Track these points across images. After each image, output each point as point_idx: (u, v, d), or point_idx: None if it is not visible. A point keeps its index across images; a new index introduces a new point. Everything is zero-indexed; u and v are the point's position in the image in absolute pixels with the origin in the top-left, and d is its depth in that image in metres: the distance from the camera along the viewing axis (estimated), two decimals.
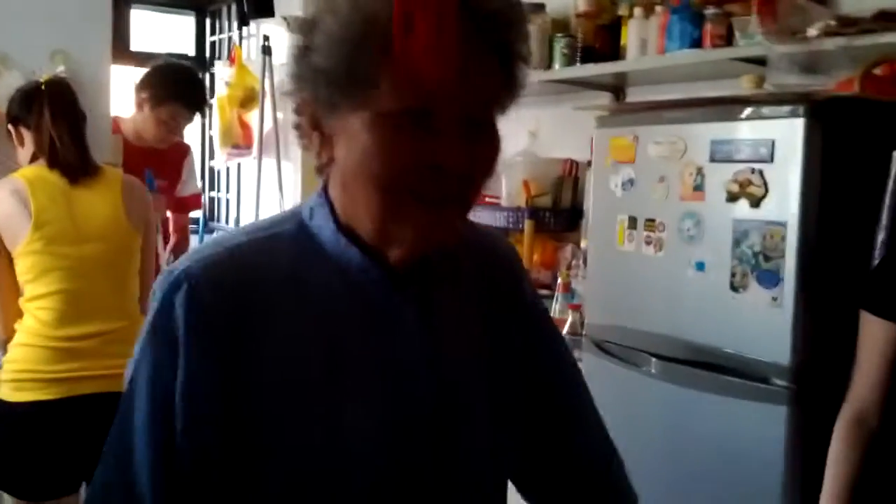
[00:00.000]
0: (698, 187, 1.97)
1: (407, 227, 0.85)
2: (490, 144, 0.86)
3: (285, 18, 3.53)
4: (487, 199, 3.06)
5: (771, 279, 1.81)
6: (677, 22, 2.50)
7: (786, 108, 1.81)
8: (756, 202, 1.85)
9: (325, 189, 0.92)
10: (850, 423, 1.55)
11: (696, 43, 2.46)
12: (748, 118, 1.89)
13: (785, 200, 1.79)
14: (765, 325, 1.81)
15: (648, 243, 2.11)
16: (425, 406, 0.90)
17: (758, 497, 1.81)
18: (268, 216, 0.99)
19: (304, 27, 0.86)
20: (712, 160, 1.94)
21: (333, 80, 0.84)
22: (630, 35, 2.70)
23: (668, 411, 2.03)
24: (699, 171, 1.97)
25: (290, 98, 0.90)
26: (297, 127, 0.92)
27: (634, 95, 2.97)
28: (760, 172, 1.83)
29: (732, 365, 1.88)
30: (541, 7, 3.01)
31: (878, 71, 1.87)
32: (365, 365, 0.89)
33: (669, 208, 2.04)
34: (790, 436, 1.77)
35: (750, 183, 1.86)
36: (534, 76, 1.63)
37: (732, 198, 1.89)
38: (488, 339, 0.99)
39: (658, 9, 2.61)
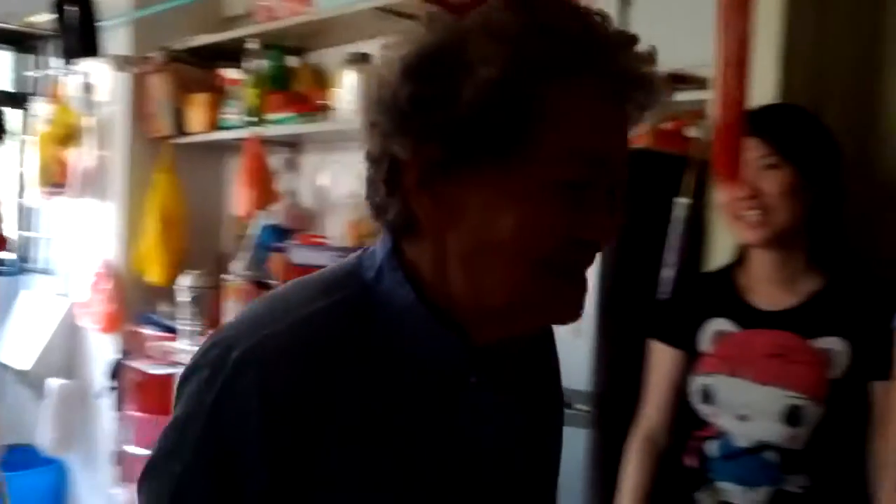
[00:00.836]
0: None
1: (550, 302, 0.79)
2: (620, 212, 0.81)
3: (114, 56, 3.48)
4: (315, 240, 3.11)
5: None
6: None
7: None
8: None
9: (393, 250, 0.82)
10: (641, 442, 1.71)
11: None
12: None
13: None
14: (568, 354, 1.94)
15: None
16: (489, 488, 0.86)
17: None
18: (319, 273, 0.85)
19: (435, 71, 0.75)
20: None
21: (481, 134, 0.74)
22: None
23: None
24: None
25: (385, 148, 0.78)
26: (388, 182, 0.79)
27: None
28: None
29: None
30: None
31: (666, 126, 2.08)
32: (437, 449, 0.82)
33: None
34: (590, 456, 1.90)
35: None
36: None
37: None
38: (528, 416, 0.92)
39: None
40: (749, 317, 1.59)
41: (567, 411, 1.89)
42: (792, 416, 1.48)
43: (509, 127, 0.74)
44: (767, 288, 1.60)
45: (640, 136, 2.07)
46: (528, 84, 0.74)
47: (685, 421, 1.63)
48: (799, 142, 1.54)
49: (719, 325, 1.61)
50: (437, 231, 0.79)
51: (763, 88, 1.71)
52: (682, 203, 1.90)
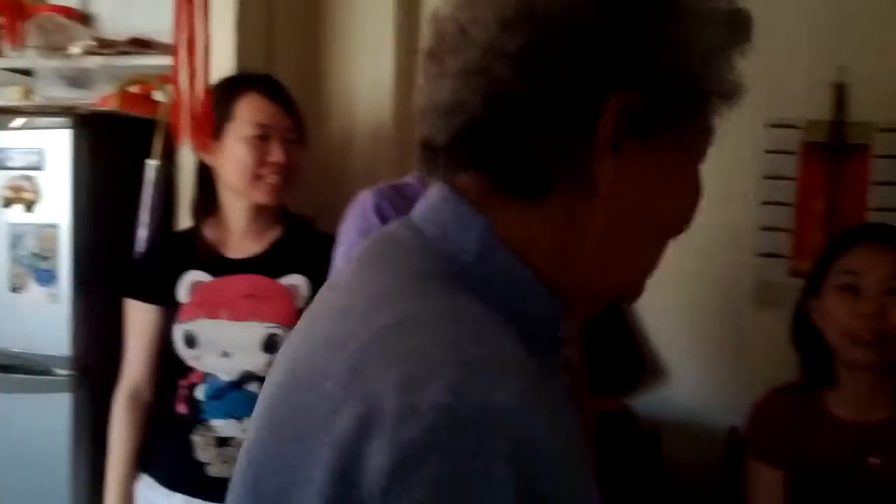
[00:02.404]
0: None
1: (647, 277, 0.71)
2: None
3: None
4: None
5: (48, 278, 1.92)
6: None
7: (54, 120, 1.94)
8: (30, 207, 1.94)
9: (489, 233, 0.65)
10: (126, 399, 1.75)
11: None
12: (19, 128, 1.97)
13: (57, 205, 1.92)
14: (45, 320, 1.91)
15: None
16: None
17: (49, 484, 1.90)
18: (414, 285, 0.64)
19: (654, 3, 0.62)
20: None
21: (696, 81, 0.64)
22: None
23: None
24: None
25: (574, 90, 0.61)
26: (564, 132, 0.62)
27: None
28: (33, 179, 1.94)
29: (17, 363, 1.93)
30: None
31: (133, 89, 2.12)
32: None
33: None
34: (75, 420, 1.90)
35: (23, 189, 1.94)
36: None
37: (7, 203, 1.95)
38: None
39: None
40: (221, 266, 1.74)
41: (48, 378, 1.89)
42: (270, 344, 1.67)
43: (719, 83, 0.66)
44: (237, 240, 1.77)
45: (108, 98, 2.09)
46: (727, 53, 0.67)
47: (172, 372, 1.72)
48: None
49: (195, 276, 1.73)
50: (588, 199, 0.65)
51: (221, 57, 1.86)
52: (152, 165, 1.97)
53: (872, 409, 1.63)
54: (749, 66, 2.32)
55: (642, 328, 2.19)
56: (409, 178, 1.47)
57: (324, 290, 0.73)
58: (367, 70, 2.15)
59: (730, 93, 0.66)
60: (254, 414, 0.68)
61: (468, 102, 0.63)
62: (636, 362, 2.19)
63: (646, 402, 2.19)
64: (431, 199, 0.70)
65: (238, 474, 0.66)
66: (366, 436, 0.52)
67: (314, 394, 0.58)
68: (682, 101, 0.64)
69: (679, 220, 0.70)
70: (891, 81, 1.90)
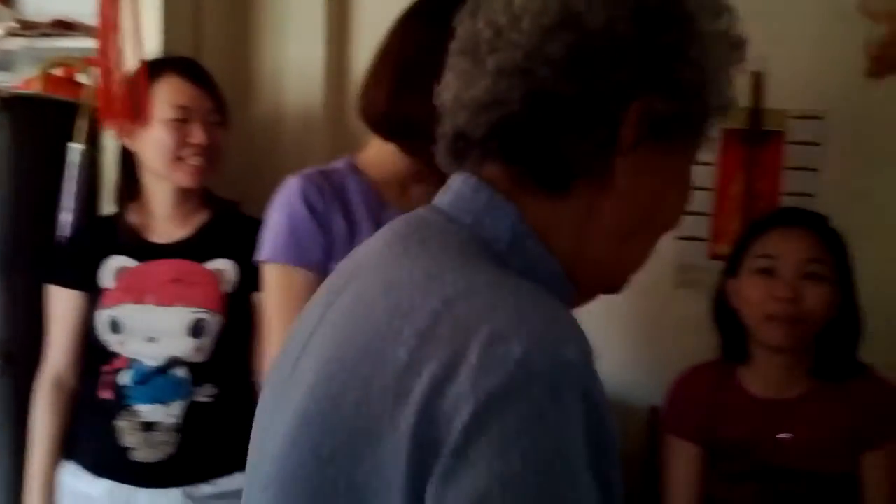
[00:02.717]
0: None
1: (638, 270, 0.79)
2: None
3: None
4: None
5: None
6: None
7: None
8: None
9: (520, 222, 0.72)
10: (49, 386, 1.74)
11: None
12: None
13: None
14: None
15: None
16: None
17: None
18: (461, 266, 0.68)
19: (677, 24, 0.69)
20: None
21: (705, 94, 0.72)
22: None
23: None
24: None
25: (606, 93, 0.68)
26: (594, 132, 0.69)
27: None
28: None
29: None
30: None
31: (57, 72, 2.08)
32: None
33: None
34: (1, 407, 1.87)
35: None
36: None
37: None
38: None
39: None
40: (146, 251, 1.73)
41: None
42: (196, 329, 1.68)
43: (721, 95, 0.74)
44: (162, 224, 1.76)
45: (31, 81, 2.05)
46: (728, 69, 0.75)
47: (95, 357, 1.71)
48: None
49: (119, 261, 1.72)
50: (603, 195, 0.72)
51: (147, 40, 1.84)
52: (76, 148, 1.94)
53: (785, 387, 1.69)
54: None
55: None
56: (339, 164, 1.48)
57: (351, 269, 0.77)
58: (297, 54, 2.15)
59: (726, 107, 0.74)
60: (302, 379, 0.70)
61: (507, 100, 0.69)
62: None
63: None
64: (459, 187, 0.75)
65: (278, 440, 0.69)
66: (444, 389, 0.58)
67: (383, 360, 0.62)
68: (693, 111, 0.72)
69: (674, 218, 0.78)
70: (803, 70, 1.96)
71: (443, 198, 0.77)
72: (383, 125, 1.39)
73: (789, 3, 1.97)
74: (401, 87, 1.34)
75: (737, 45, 0.74)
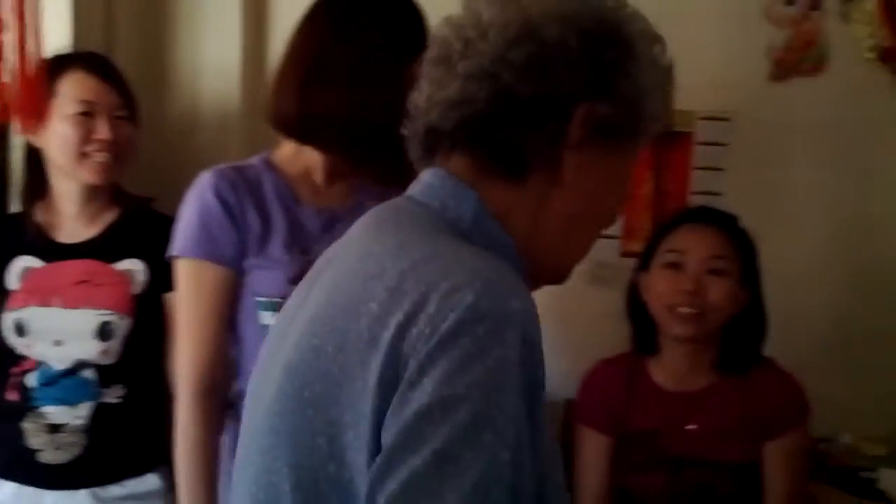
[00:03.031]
0: None
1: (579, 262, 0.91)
2: None
3: None
4: None
5: None
6: None
7: None
8: None
9: (481, 205, 0.83)
10: None
11: None
12: None
13: None
14: None
15: None
16: None
17: None
18: (421, 231, 0.81)
19: (612, 40, 0.83)
20: None
21: (640, 106, 0.84)
22: None
23: None
24: None
25: (560, 99, 0.81)
26: (547, 131, 0.82)
27: None
28: None
29: None
30: None
31: None
32: None
33: None
34: None
35: None
36: None
37: None
38: None
39: None
40: (53, 251, 1.69)
41: None
42: (104, 332, 1.65)
43: (654, 104, 0.85)
44: (70, 223, 1.72)
45: None
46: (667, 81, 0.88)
47: (3, 360, 1.67)
48: None
49: (25, 262, 1.68)
50: (553, 187, 0.84)
51: (57, 34, 1.80)
52: None
53: (692, 379, 1.75)
54: None
55: None
56: (254, 160, 1.48)
57: (330, 254, 0.88)
58: (214, 50, 2.12)
59: (659, 121, 0.87)
60: (288, 342, 0.80)
61: (475, 98, 0.81)
62: None
63: None
64: (428, 179, 0.86)
65: (270, 392, 0.79)
66: (405, 334, 0.68)
67: (357, 314, 0.72)
68: (630, 119, 0.84)
69: (612, 214, 0.90)
70: (710, 73, 2.02)
71: (414, 188, 0.88)
72: (295, 128, 1.39)
73: (697, 9, 2.03)
74: (308, 87, 1.34)
75: (668, 71, 0.88)
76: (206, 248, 1.39)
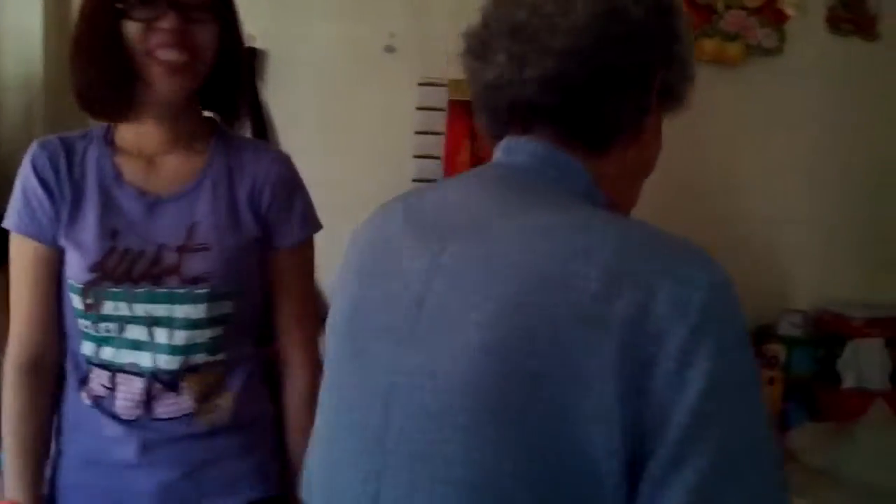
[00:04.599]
0: None
1: None
2: None
3: None
4: None
5: None
6: None
7: None
8: None
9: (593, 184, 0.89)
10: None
11: None
12: None
13: None
14: None
15: None
16: None
17: None
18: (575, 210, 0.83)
19: (674, 11, 0.91)
20: None
21: (688, 69, 0.93)
22: None
23: None
24: None
25: (644, 67, 0.88)
26: (636, 97, 0.89)
27: None
28: None
29: None
30: None
31: None
32: None
33: None
34: None
35: None
36: None
37: None
38: None
39: None
40: None
41: None
42: None
43: (688, 69, 0.94)
44: None
45: None
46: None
47: None
48: None
49: None
50: (629, 151, 0.90)
51: None
52: None
53: None
54: (403, 28, 2.53)
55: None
56: (94, 131, 1.40)
57: (443, 222, 0.87)
58: (15, 20, 2.01)
59: (693, 78, 0.95)
60: (444, 335, 0.79)
61: (574, 75, 0.85)
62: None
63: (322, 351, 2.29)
64: (533, 149, 0.89)
65: (455, 370, 0.77)
66: (652, 312, 0.70)
67: (570, 292, 0.73)
68: (682, 82, 0.93)
69: (655, 164, 0.96)
70: None
71: (513, 157, 0.90)
72: (83, 104, 1.35)
73: None
74: (76, 59, 1.32)
75: (691, 30, 0.96)
76: (25, 223, 1.34)
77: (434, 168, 2.23)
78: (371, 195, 2.20)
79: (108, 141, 1.39)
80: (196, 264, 1.32)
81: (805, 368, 2.27)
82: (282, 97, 2.30)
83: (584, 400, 0.70)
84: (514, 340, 0.74)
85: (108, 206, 1.35)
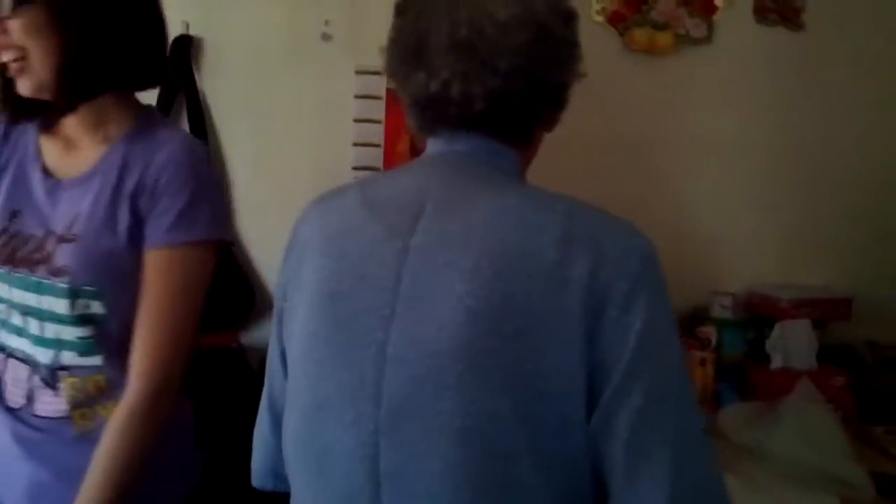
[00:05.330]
0: None
1: None
2: None
3: None
4: None
5: None
6: None
7: None
8: None
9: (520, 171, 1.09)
10: None
11: None
12: None
13: None
14: None
15: None
16: None
17: None
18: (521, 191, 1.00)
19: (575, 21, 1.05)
20: None
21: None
22: None
23: None
24: None
25: (561, 77, 1.04)
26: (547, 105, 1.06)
27: None
28: None
29: None
30: None
31: None
32: None
33: None
34: None
35: None
36: None
37: None
38: None
39: None
40: None
41: None
42: None
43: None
44: None
45: None
46: None
47: None
48: None
49: None
50: (540, 136, 1.08)
51: None
52: None
53: None
54: (338, 16, 2.51)
55: (251, 263, 2.28)
56: None
57: (410, 207, 0.97)
58: None
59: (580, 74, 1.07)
60: (438, 290, 0.90)
61: (515, 91, 0.97)
62: (246, 296, 2.27)
63: (258, 337, 2.29)
64: (474, 141, 1.01)
65: (441, 336, 0.89)
66: (598, 275, 0.87)
67: (535, 260, 0.88)
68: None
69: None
70: None
71: (457, 147, 1.02)
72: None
73: None
74: None
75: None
76: None
77: (375, 156, 2.24)
78: (311, 183, 2.20)
79: (46, 122, 1.38)
80: (61, 255, 1.27)
81: (736, 349, 2.33)
82: (218, 85, 2.28)
83: (559, 345, 0.86)
84: (497, 305, 0.87)
85: (17, 184, 1.35)
